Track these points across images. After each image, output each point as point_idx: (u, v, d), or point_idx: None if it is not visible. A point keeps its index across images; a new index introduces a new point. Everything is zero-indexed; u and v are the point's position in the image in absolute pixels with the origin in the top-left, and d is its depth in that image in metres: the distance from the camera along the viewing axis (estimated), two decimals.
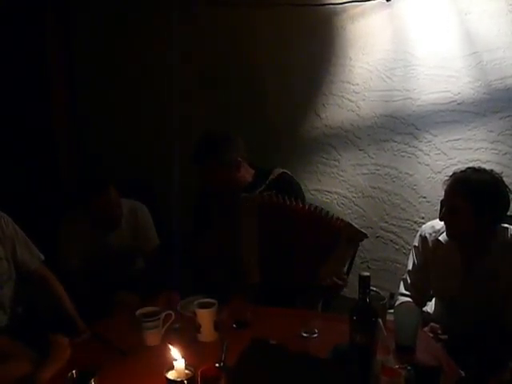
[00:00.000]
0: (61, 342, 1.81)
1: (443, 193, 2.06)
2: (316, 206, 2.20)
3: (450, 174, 2.07)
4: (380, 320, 1.54)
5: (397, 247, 3.00)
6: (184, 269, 2.65)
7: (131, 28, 3.45)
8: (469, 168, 2.05)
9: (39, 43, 3.55)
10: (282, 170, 2.48)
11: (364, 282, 1.51)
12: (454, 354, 1.79)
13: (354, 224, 2.21)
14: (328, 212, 2.19)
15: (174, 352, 1.53)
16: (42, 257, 2.33)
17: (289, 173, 2.50)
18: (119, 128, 3.63)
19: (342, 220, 2.18)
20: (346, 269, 2.29)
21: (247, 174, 2.44)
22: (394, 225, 2.99)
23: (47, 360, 1.72)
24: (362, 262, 3.08)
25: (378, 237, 3.04)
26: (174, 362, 1.52)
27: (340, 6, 2.87)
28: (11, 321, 2.24)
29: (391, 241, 3.01)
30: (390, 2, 2.74)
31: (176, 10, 3.22)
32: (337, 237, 2.13)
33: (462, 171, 2.04)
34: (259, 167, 2.50)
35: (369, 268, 3.07)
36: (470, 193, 1.94)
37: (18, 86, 3.48)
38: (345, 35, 2.93)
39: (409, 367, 1.49)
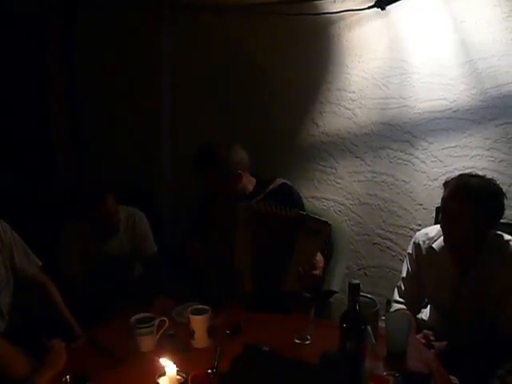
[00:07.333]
0: (57, 347, 1.83)
1: (439, 200, 2.06)
2: (304, 213, 2.18)
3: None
4: (369, 327, 1.56)
5: (393, 254, 3.00)
6: (179, 275, 2.65)
7: (130, 39, 3.48)
8: (463, 174, 2.06)
9: (40, 47, 3.59)
10: (282, 181, 2.44)
11: (353, 289, 1.53)
12: (448, 360, 1.81)
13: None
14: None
15: (166, 359, 1.55)
16: (40, 263, 2.36)
17: (289, 183, 2.46)
18: (119, 134, 3.65)
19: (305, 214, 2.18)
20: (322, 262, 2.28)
21: (248, 183, 2.41)
22: (391, 232, 3.00)
23: (44, 365, 1.74)
24: (359, 269, 3.10)
25: (374, 244, 3.05)
26: (166, 369, 1.54)
27: (336, 14, 2.89)
28: (9, 327, 2.26)
29: (388, 248, 3.02)
30: (385, 11, 2.76)
31: (170, 24, 3.27)
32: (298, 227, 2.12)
33: (459, 177, 2.03)
34: (260, 177, 2.47)
35: (366, 275, 3.08)
36: (468, 195, 1.93)
37: (17, 90, 3.51)
38: (341, 43, 2.95)
39: (397, 374, 1.51)
